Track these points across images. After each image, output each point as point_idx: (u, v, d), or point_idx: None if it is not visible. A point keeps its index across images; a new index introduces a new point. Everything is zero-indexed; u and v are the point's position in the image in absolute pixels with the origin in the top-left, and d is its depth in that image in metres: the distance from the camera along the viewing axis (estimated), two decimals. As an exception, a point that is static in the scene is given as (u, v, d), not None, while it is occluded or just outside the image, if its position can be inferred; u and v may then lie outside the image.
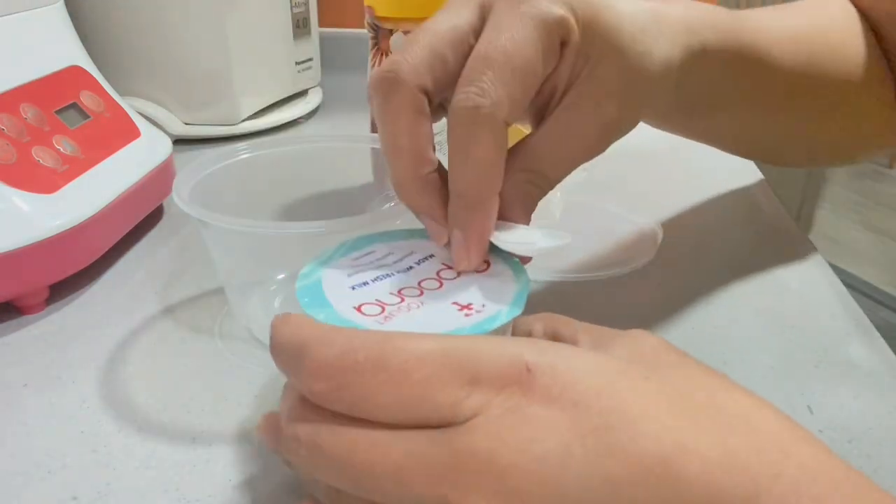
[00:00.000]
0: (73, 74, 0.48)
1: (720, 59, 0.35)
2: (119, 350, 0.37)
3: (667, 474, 0.19)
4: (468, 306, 0.25)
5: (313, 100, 0.76)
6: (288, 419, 0.22)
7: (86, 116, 0.47)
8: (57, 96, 0.46)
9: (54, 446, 0.30)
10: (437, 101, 0.28)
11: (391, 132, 0.27)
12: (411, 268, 0.28)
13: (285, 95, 0.74)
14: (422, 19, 0.47)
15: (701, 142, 0.44)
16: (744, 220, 0.53)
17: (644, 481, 0.19)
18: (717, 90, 0.37)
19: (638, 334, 0.24)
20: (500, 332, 0.26)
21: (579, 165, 0.30)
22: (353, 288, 0.26)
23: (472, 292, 0.26)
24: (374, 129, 0.51)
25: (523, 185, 0.29)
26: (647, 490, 0.19)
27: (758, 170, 0.60)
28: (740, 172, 0.60)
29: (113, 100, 0.50)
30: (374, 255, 0.28)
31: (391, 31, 0.47)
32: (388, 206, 0.33)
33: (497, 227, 0.28)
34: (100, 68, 0.52)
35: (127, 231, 0.46)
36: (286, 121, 0.71)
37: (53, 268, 0.40)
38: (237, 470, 0.29)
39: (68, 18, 0.51)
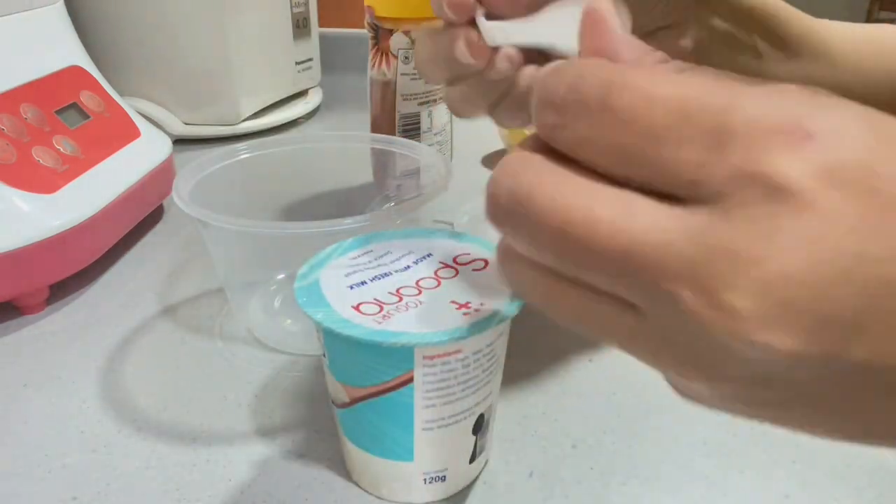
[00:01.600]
0: (73, 74, 0.48)
1: None
2: (119, 350, 0.37)
3: None
4: (466, 304, 0.25)
5: (313, 100, 0.76)
6: (501, 163, 0.18)
7: (86, 116, 0.47)
8: (57, 96, 0.46)
9: (54, 446, 0.30)
10: None
11: None
12: (409, 267, 0.28)
13: (285, 95, 0.74)
14: (422, 19, 0.48)
15: None
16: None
17: None
18: None
19: (784, 91, 0.17)
20: (499, 331, 0.26)
21: None
22: (352, 287, 0.26)
23: (469, 291, 0.26)
24: (373, 129, 0.51)
25: None
26: None
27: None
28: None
29: (113, 100, 0.50)
30: (372, 255, 0.28)
31: (391, 31, 0.47)
32: (387, 206, 0.33)
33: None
34: (100, 68, 0.52)
35: (127, 231, 0.46)
36: (286, 121, 0.71)
37: (53, 268, 0.40)
38: (237, 470, 0.29)
39: (68, 18, 0.51)
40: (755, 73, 0.34)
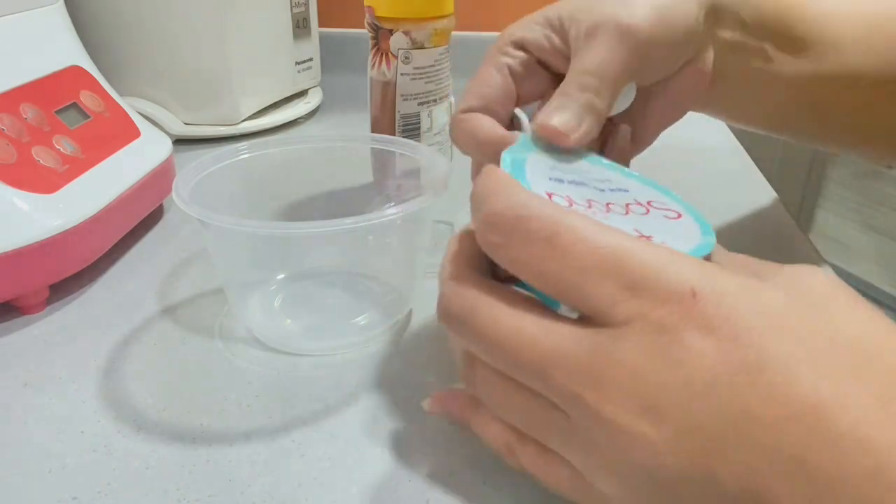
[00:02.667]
0: (73, 74, 0.48)
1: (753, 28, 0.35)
2: (119, 350, 0.37)
3: (817, 423, 0.18)
4: (648, 238, 0.24)
5: (313, 100, 0.76)
6: (450, 280, 0.24)
7: (86, 116, 0.47)
8: (57, 96, 0.46)
9: (54, 446, 0.30)
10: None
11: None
12: (603, 191, 0.27)
13: (285, 95, 0.74)
14: (422, 19, 0.48)
15: (754, 127, 0.42)
16: (744, 220, 0.53)
17: (790, 426, 0.18)
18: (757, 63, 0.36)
19: (807, 272, 0.22)
20: None
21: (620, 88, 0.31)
22: (551, 179, 0.26)
23: (654, 228, 0.25)
24: (373, 129, 0.51)
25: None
26: (791, 435, 0.18)
27: (758, 170, 0.60)
28: (740, 173, 0.60)
29: (113, 100, 0.50)
30: (578, 166, 0.28)
31: (391, 31, 0.47)
32: (388, 206, 0.33)
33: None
34: (100, 68, 0.52)
35: (127, 231, 0.46)
36: (286, 121, 0.71)
37: (53, 268, 0.40)
38: (237, 470, 0.29)
39: (68, 18, 0.51)
40: (766, 76, 0.36)
